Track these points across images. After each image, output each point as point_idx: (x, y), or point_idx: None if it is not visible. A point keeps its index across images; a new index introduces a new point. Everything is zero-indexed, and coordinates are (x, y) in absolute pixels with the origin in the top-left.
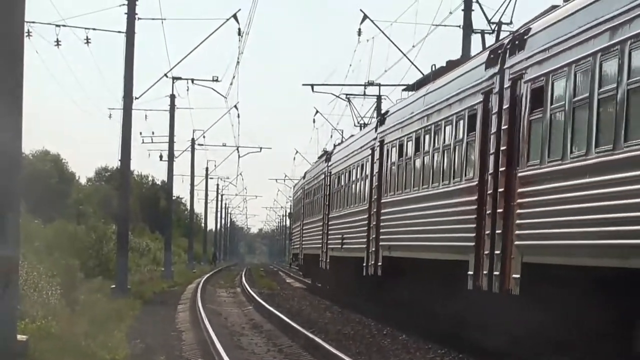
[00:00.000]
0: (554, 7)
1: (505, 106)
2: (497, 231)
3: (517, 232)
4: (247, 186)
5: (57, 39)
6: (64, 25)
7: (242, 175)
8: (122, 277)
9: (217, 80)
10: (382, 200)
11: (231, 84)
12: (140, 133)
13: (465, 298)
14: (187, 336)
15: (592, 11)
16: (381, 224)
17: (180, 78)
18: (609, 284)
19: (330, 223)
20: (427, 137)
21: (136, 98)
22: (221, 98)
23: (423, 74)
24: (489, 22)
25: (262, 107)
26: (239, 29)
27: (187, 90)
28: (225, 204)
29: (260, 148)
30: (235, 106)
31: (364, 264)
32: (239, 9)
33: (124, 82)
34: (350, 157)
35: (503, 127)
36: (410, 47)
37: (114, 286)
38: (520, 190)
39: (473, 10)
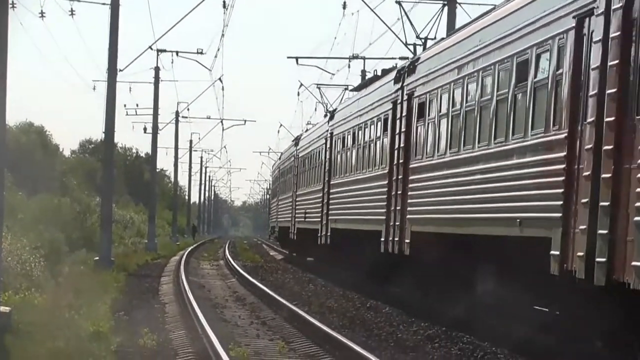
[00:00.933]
0: (442, 39)
1: (404, 114)
2: (397, 208)
3: (408, 208)
4: (232, 159)
5: (42, 11)
6: None
7: (226, 148)
8: (106, 249)
9: (201, 53)
10: (331, 182)
11: (216, 56)
12: (125, 105)
13: (380, 258)
14: (171, 308)
15: (450, 52)
16: (330, 201)
17: (164, 50)
18: (460, 245)
19: (297, 199)
20: (359, 132)
21: (120, 70)
22: (206, 71)
23: (408, 48)
24: (417, 36)
25: (246, 80)
26: (224, 2)
27: (172, 62)
28: (209, 177)
29: (245, 121)
30: (219, 79)
31: (318, 234)
32: None
33: (108, 54)
34: (311, 144)
35: (402, 130)
36: (395, 20)
37: (97, 258)
38: (410, 177)
39: None
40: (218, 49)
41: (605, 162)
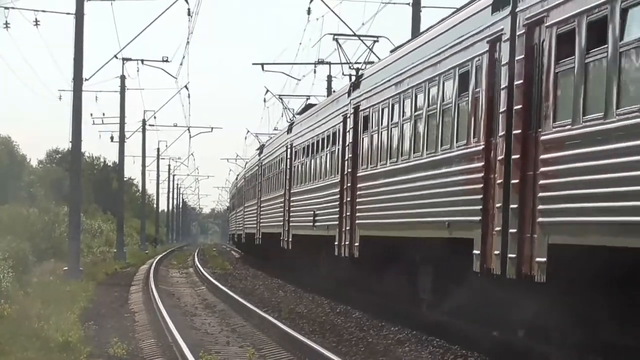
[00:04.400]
0: (384, 58)
1: (351, 126)
2: (348, 214)
3: (357, 214)
4: (199, 166)
5: (6, 22)
6: (12, 8)
7: (193, 155)
8: (74, 259)
9: (167, 61)
10: (292, 190)
11: (181, 64)
12: (91, 114)
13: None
14: (140, 317)
15: (389, 69)
16: (291, 208)
17: (130, 59)
18: (401, 246)
19: (262, 206)
20: (315, 143)
21: (86, 79)
22: (172, 79)
23: (372, 52)
24: (350, 67)
25: (213, 87)
26: (189, 9)
27: (138, 71)
28: (177, 185)
29: (212, 128)
30: (185, 86)
31: (281, 239)
32: None
33: (73, 63)
34: (273, 153)
35: (350, 141)
36: (360, 25)
37: (66, 268)
38: (358, 185)
39: None
40: (183, 57)
41: (514, 170)
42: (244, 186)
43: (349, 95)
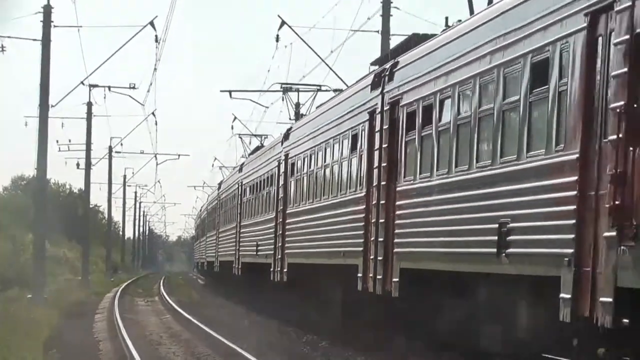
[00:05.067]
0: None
1: (282, 171)
2: (279, 244)
3: (286, 245)
4: (166, 193)
5: None
6: None
7: (160, 182)
8: (38, 287)
9: (134, 88)
10: (242, 223)
11: (148, 91)
12: (57, 141)
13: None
14: (105, 346)
15: (307, 126)
16: (240, 239)
17: (97, 85)
18: (320, 272)
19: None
20: (259, 185)
21: (52, 106)
22: (139, 105)
23: (341, 79)
24: (296, 113)
25: (180, 114)
26: (156, 36)
27: (104, 97)
28: (144, 212)
29: (179, 155)
30: (152, 113)
31: (234, 265)
32: (156, 16)
33: (39, 90)
34: (229, 188)
35: (282, 184)
36: (329, 53)
37: (30, 296)
38: (287, 220)
39: (392, 15)
40: (151, 84)
41: (381, 212)
42: (206, 217)
43: (282, 144)
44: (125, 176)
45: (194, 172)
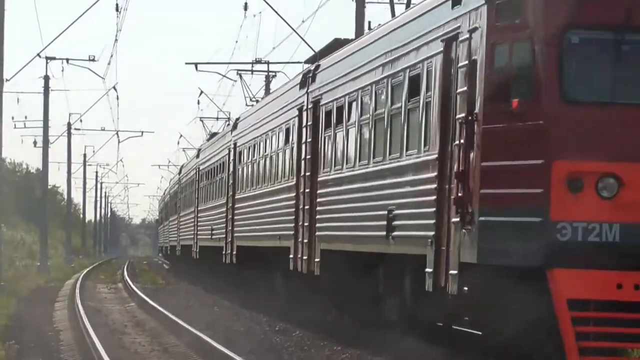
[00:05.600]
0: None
1: (232, 158)
2: (229, 229)
3: (235, 229)
4: (129, 173)
5: None
6: None
7: (122, 161)
8: None
9: (93, 60)
10: (199, 208)
11: (109, 64)
12: (12, 118)
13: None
14: (66, 336)
15: (251, 118)
16: (197, 222)
17: (54, 58)
18: (261, 254)
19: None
20: (214, 171)
21: (7, 80)
22: (99, 79)
23: (314, 50)
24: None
25: (143, 89)
26: (117, 5)
27: (62, 71)
28: (106, 193)
29: (142, 132)
30: (114, 87)
31: (192, 249)
32: None
33: None
34: (188, 173)
35: (231, 171)
36: (300, 22)
37: None
38: (236, 205)
39: None
40: (111, 56)
41: (306, 200)
42: (169, 202)
43: (231, 133)
44: (85, 155)
45: (159, 151)
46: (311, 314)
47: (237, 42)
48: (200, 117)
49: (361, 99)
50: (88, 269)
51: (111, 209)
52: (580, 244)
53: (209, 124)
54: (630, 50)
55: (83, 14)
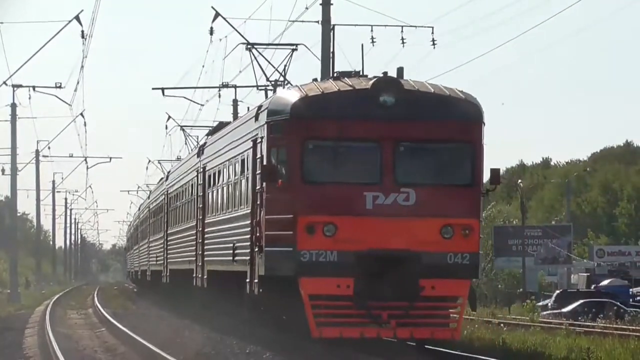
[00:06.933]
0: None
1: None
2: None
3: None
4: (98, 199)
5: None
6: None
7: (91, 187)
8: None
9: (60, 87)
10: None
11: (76, 90)
12: None
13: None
14: None
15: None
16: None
17: (20, 85)
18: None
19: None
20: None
21: None
22: (66, 106)
23: (280, 73)
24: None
25: (110, 115)
26: (82, 31)
27: (29, 98)
28: (75, 219)
29: (110, 158)
30: (81, 114)
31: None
32: (82, 10)
33: None
34: (157, 198)
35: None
36: (247, 64)
37: None
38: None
39: (332, 4)
40: (78, 82)
41: (198, 236)
42: (139, 226)
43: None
44: (54, 181)
45: (128, 176)
46: (282, 336)
47: (203, 66)
48: (182, 126)
49: (223, 169)
50: (58, 296)
51: (81, 235)
52: (315, 263)
53: (175, 149)
54: (343, 151)
55: (49, 41)
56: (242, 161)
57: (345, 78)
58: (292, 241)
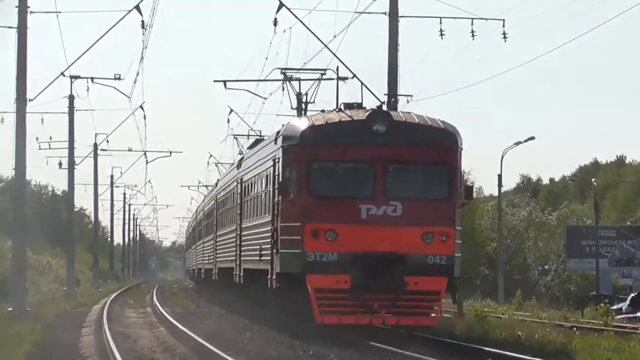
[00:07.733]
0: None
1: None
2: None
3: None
4: (157, 195)
5: None
6: None
7: (151, 182)
8: (19, 298)
9: (119, 79)
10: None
11: (135, 82)
12: (37, 138)
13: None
14: None
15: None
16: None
17: (79, 77)
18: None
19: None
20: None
21: (30, 100)
22: (125, 98)
23: (346, 66)
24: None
25: (171, 107)
26: (142, 22)
27: (87, 90)
28: (134, 215)
29: (170, 152)
30: (140, 106)
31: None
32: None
33: (16, 82)
34: (208, 203)
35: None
36: (332, 37)
37: (11, 309)
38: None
39: None
40: (137, 74)
41: (238, 237)
42: (196, 227)
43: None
44: (112, 176)
45: (188, 171)
46: (343, 335)
47: (266, 58)
48: (234, 135)
49: (255, 181)
50: (116, 294)
51: (140, 231)
52: (319, 262)
53: (239, 142)
54: (343, 171)
55: (108, 31)
56: (267, 176)
57: (347, 110)
58: (301, 244)
